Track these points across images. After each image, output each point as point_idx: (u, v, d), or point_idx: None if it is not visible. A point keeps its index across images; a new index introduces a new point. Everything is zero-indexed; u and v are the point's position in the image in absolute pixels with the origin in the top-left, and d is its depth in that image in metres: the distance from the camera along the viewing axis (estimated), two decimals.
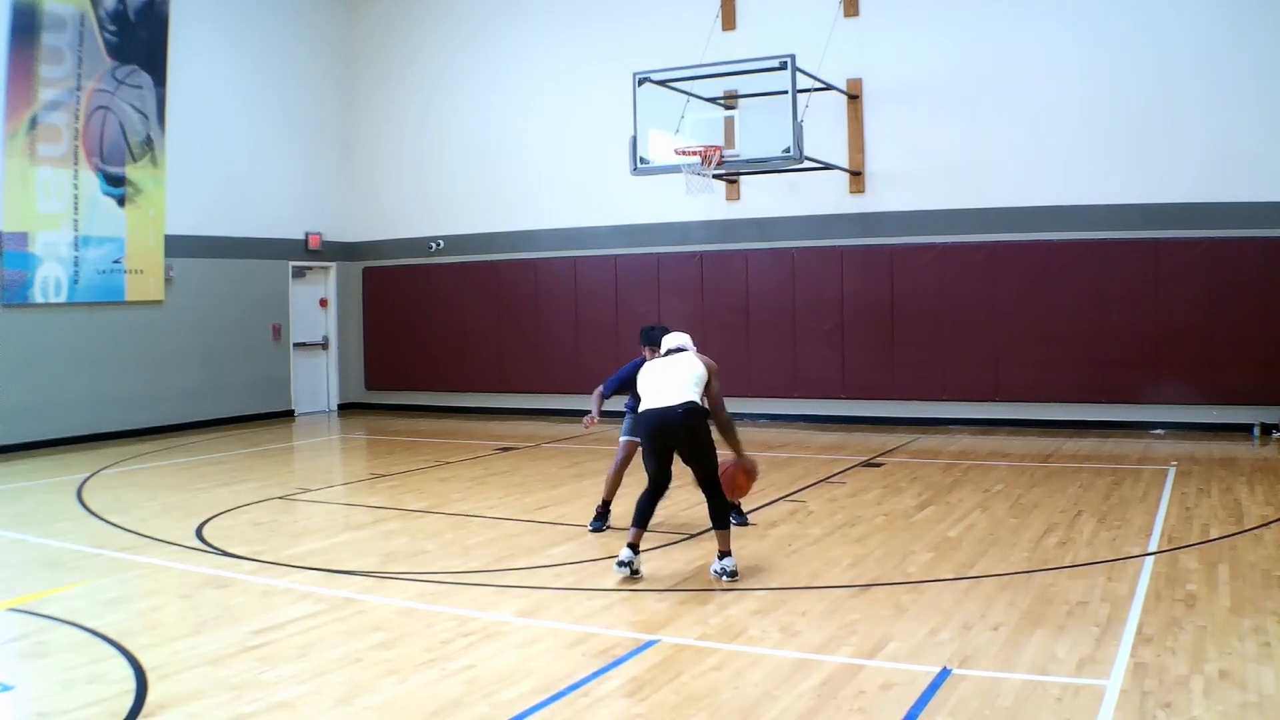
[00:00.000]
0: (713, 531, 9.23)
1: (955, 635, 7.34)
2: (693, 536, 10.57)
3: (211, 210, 20.88)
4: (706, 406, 9.32)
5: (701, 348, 10.09)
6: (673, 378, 9.30)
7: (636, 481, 10.11)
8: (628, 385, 10.73)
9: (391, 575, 9.39)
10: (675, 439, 9.20)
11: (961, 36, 18.52)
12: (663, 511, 11.64)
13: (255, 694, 6.53)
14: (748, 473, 9.71)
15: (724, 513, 9.25)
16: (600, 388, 11.01)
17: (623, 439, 11.16)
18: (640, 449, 9.95)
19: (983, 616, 7.74)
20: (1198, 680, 6.34)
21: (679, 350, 9.69)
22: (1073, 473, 13.88)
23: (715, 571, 9.09)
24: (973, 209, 18.51)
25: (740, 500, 10.68)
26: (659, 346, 10.16)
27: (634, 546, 9.24)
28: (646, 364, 9.82)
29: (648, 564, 9.54)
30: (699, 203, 19.09)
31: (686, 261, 20.54)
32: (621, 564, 9.19)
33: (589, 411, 10.98)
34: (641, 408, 9.44)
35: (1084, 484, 12.98)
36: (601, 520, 11.19)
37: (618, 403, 11.15)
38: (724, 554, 9.11)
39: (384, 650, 7.29)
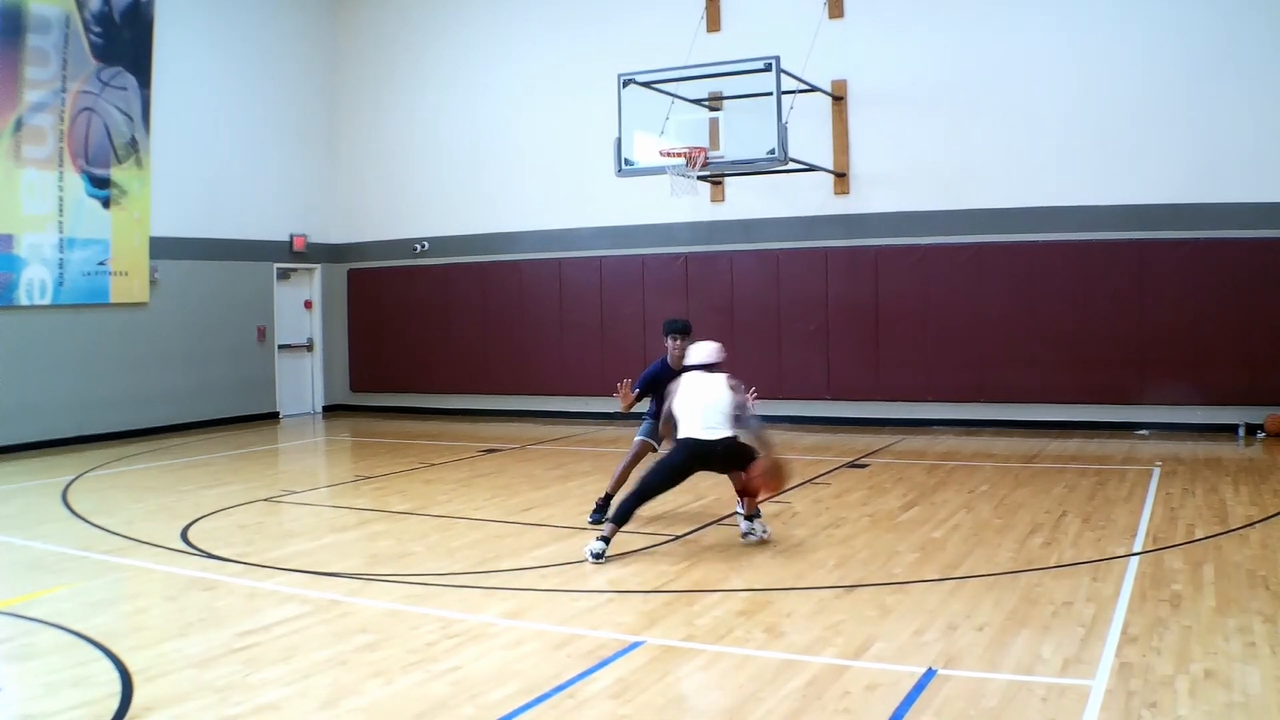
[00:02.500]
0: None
1: (940, 636, 7.36)
2: (678, 538, 10.58)
3: (196, 212, 20.84)
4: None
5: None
6: (710, 408, 9.78)
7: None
8: (652, 387, 11.09)
9: (377, 577, 9.39)
10: (711, 466, 10.01)
11: (946, 38, 18.55)
12: (648, 512, 11.66)
13: (241, 696, 6.52)
14: (766, 475, 9.96)
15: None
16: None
17: (639, 439, 11.35)
18: (648, 450, 11.17)
19: (968, 617, 7.76)
20: (1183, 680, 6.36)
21: (710, 366, 10.06)
22: (1058, 473, 13.91)
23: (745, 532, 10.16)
24: (958, 210, 18.54)
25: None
26: (680, 337, 10.95)
27: (607, 540, 9.78)
28: (684, 379, 10.11)
29: (634, 565, 9.56)
30: (684, 204, 19.08)
31: (671, 263, 20.55)
32: (596, 556, 9.67)
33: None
34: (681, 433, 9.88)
35: (1069, 484, 13.01)
36: (601, 513, 11.27)
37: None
38: (749, 516, 10.19)
39: (369, 652, 7.29)
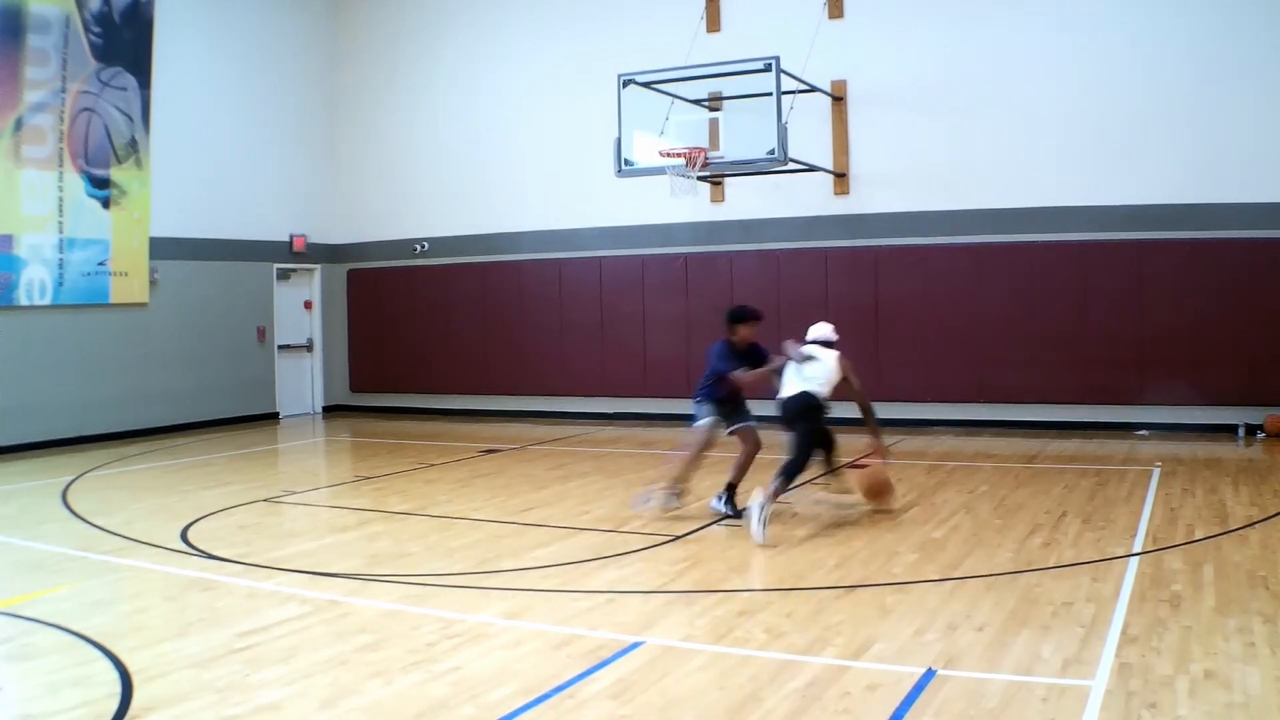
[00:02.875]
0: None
1: (940, 636, 7.36)
2: (678, 538, 10.57)
3: (196, 212, 20.84)
4: (825, 398, 11.11)
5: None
6: (809, 372, 11.11)
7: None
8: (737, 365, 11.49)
9: (377, 577, 9.38)
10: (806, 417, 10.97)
11: (946, 38, 18.54)
12: (648, 513, 11.68)
13: (240, 696, 6.52)
14: (871, 481, 11.57)
15: (790, 473, 10.71)
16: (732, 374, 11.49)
17: (706, 424, 11.66)
18: (715, 436, 11.71)
19: (968, 617, 7.75)
20: (1183, 680, 6.36)
21: (824, 344, 11.40)
22: (1058, 473, 13.90)
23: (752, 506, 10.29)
24: (958, 210, 18.53)
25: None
26: (743, 323, 11.59)
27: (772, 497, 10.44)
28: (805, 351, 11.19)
29: (633, 565, 9.58)
30: (684, 205, 19.08)
31: (671, 263, 20.55)
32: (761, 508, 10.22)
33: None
34: (782, 394, 11.12)
35: (1069, 485, 13.00)
36: (676, 498, 11.72)
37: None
38: (765, 500, 10.27)
39: (369, 652, 7.29)
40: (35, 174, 17.90)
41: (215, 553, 10.37)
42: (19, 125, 17.62)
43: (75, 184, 18.50)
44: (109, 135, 18.98)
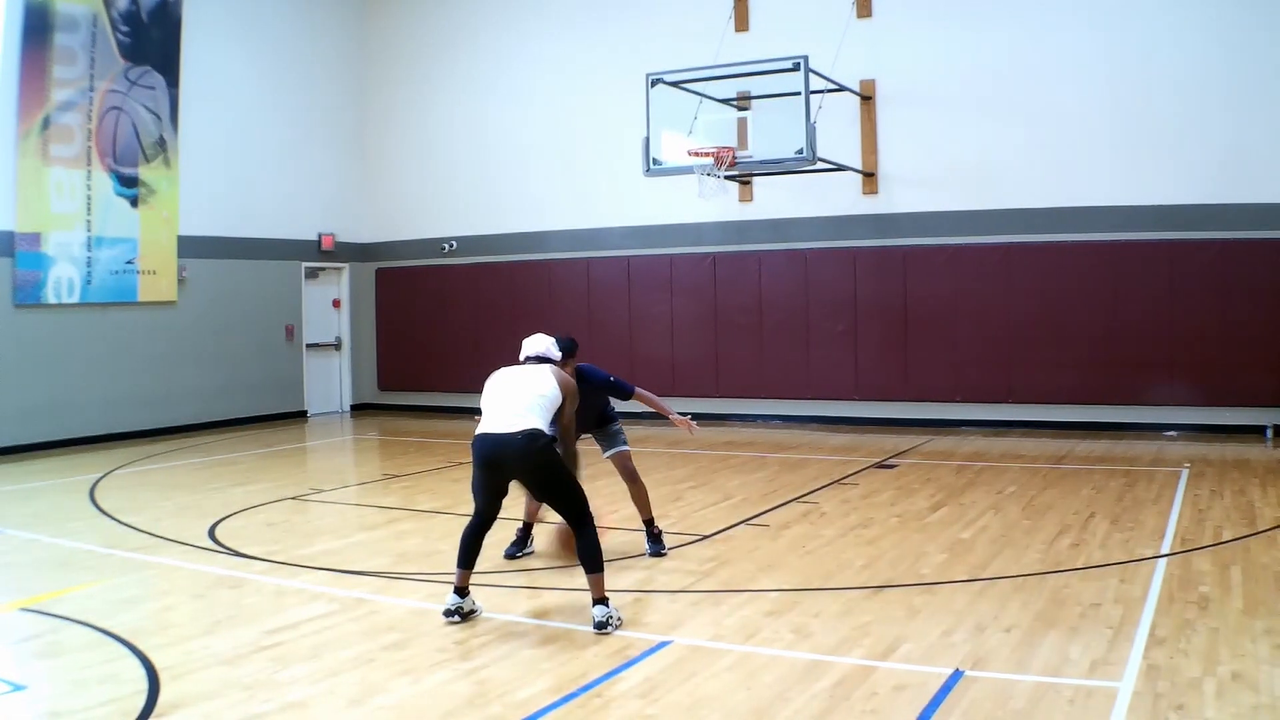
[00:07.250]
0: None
1: (968, 637, 7.33)
2: (706, 538, 10.56)
3: (224, 211, 20.91)
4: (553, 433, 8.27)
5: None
6: (516, 395, 8.12)
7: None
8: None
9: (404, 576, 9.40)
10: (513, 472, 8.05)
11: (975, 37, 18.48)
12: (675, 512, 11.68)
13: (268, 694, 6.53)
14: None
15: (594, 553, 7.83)
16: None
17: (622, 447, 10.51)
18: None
19: (995, 618, 7.72)
20: (1210, 682, 6.32)
21: (538, 360, 8.72)
22: (1086, 474, 13.83)
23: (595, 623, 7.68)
24: (986, 210, 18.47)
25: (657, 529, 10.14)
26: (572, 356, 9.81)
27: (462, 591, 8.03)
28: (494, 374, 8.59)
29: (661, 564, 9.56)
30: (712, 204, 19.02)
31: (700, 263, 20.54)
32: (449, 613, 7.92)
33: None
34: (479, 430, 8.07)
35: (1097, 486, 12.94)
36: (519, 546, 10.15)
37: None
38: (597, 600, 7.74)
39: (397, 650, 7.30)
40: (63, 172, 17.99)
41: (243, 550, 10.40)
42: (47, 124, 17.71)
43: (103, 182, 18.58)
44: (137, 134, 19.06)
